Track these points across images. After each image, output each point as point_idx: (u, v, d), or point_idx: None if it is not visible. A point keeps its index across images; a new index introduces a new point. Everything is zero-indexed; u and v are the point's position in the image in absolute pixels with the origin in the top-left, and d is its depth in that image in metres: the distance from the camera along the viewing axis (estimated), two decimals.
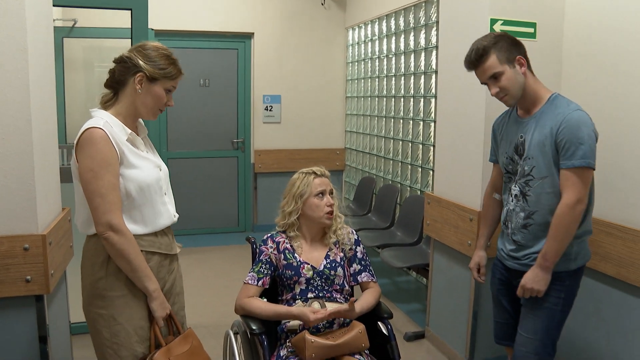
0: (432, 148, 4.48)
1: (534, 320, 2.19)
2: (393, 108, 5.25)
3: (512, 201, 2.23)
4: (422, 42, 4.59)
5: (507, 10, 2.73)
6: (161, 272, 1.98)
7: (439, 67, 3.27)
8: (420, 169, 4.73)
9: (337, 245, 2.35)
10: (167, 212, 2.00)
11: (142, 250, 1.87)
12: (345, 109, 6.59)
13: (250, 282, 2.27)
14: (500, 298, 2.43)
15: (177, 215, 2.05)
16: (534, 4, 2.77)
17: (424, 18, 4.55)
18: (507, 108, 2.34)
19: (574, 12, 2.77)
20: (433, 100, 4.44)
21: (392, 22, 5.18)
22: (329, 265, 2.28)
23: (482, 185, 2.85)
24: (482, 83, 2.19)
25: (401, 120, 5.08)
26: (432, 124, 4.46)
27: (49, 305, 2.25)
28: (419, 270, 4.07)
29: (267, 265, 2.29)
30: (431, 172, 4.50)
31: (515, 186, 2.20)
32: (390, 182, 5.33)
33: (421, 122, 4.68)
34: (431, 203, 3.37)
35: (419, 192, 4.73)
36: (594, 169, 2.03)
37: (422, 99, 4.65)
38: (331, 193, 2.35)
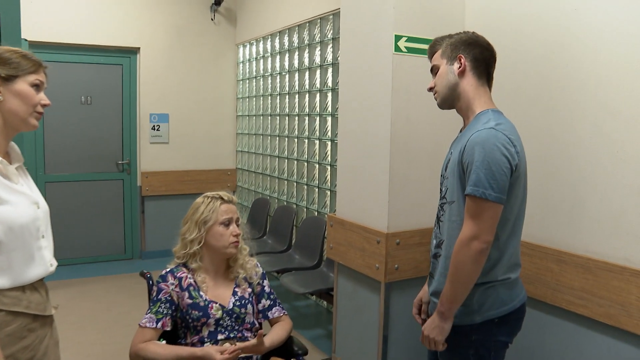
0: (329, 168, 4.39)
1: None
2: (287, 127, 5.12)
3: (434, 224, 2.04)
4: (317, 59, 4.51)
5: (411, 27, 2.68)
6: (28, 338, 1.56)
7: (339, 84, 3.17)
8: (317, 190, 4.61)
9: (245, 280, 2.14)
10: (41, 260, 1.61)
11: (1, 311, 1.48)
12: (236, 127, 6.36)
13: (147, 324, 1.97)
14: None
15: (54, 264, 1.68)
16: (436, 21, 2.75)
17: (319, 35, 4.47)
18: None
19: (472, 25, 2.77)
20: (329, 118, 4.36)
21: (286, 39, 5.06)
22: (238, 303, 2.06)
23: (388, 206, 2.76)
24: None
25: (296, 139, 4.95)
26: (329, 143, 4.37)
27: None
28: (321, 294, 3.92)
29: (168, 305, 2.01)
30: (329, 193, 4.40)
31: (438, 207, 2.01)
32: (285, 203, 5.17)
33: (317, 141, 4.57)
34: (334, 225, 3.24)
35: (316, 213, 4.60)
36: (496, 202, 1.69)
37: (317, 117, 4.55)
38: (237, 222, 2.13)
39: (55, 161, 5.57)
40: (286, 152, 5.16)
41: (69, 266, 5.54)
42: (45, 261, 1.63)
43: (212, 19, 6.03)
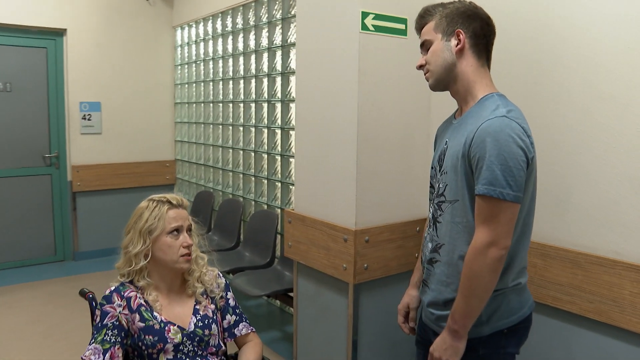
0: (279, 158, 4.11)
1: None
2: (231, 114, 4.79)
3: (427, 225, 1.79)
4: (265, 41, 4.20)
5: (379, 3, 2.43)
6: None
7: (296, 66, 2.89)
8: (265, 181, 4.32)
9: (206, 296, 1.84)
10: None
11: None
12: (175, 116, 5.96)
13: (92, 358, 1.61)
14: (417, 347, 1.95)
15: None
16: None
17: (266, 16, 4.15)
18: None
19: None
20: (279, 104, 4.08)
21: (229, 20, 4.71)
22: (200, 324, 1.75)
23: (355, 200, 2.52)
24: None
25: (241, 128, 4.64)
26: (279, 131, 4.09)
27: None
28: (277, 295, 3.65)
29: (115, 331, 1.66)
30: (279, 185, 4.13)
31: (431, 206, 1.75)
32: (230, 196, 4.86)
33: (265, 130, 4.28)
34: (293, 222, 2.97)
35: (265, 206, 4.32)
36: (514, 202, 1.48)
37: (265, 104, 4.25)
38: (189, 229, 1.82)
39: None
40: (230, 141, 4.83)
41: None
42: None
43: None
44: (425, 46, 1.69)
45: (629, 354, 2.02)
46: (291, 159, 3.98)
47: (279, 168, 4.14)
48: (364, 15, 2.38)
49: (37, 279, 4.93)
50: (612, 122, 2.00)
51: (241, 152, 4.67)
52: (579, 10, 2.07)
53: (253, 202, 4.51)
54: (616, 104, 1.99)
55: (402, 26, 2.52)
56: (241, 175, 4.70)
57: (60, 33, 5.26)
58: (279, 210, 4.11)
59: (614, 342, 2.06)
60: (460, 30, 1.61)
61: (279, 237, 4.04)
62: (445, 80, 1.66)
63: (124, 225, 1.80)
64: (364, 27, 2.39)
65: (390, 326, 2.75)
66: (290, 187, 4.01)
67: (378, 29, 2.44)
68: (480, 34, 1.63)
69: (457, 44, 1.61)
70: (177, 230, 1.76)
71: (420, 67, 1.71)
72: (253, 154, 4.48)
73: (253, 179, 4.50)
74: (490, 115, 1.51)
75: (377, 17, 2.43)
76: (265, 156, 4.31)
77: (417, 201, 2.74)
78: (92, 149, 5.48)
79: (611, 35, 1.98)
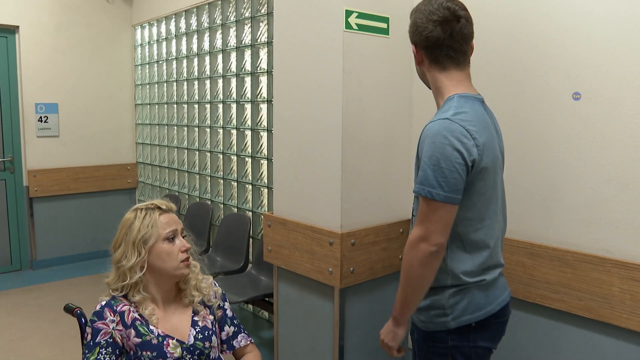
0: (249, 160, 4.03)
1: None
2: (197, 115, 4.67)
3: None
4: (232, 41, 4.10)
5: (362, 2, 2.39)
6: None
7: (274, 65, 2.81)
8: (235, 184, 4.23)
9: (204, 305, 1.75)
10: None
11: None
12: (135, 117, 5.78)
13: None
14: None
15: None
16: None
17: (234, 14, 4.06)
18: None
19: None
20: (248, 105, 4.00)
21: (193, 18, 4.59)
22: (201, 336, 1.66)
23: (341, 203, 2.48)
24: None
25: (207, 129, 4.53)
26: (249, 133, 4.01)
27: None
28: (254, 301, 3.56)
29: (110, 349, 1.56)
30: (250, 187, 4.05)
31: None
32: (198, 199, 4.74)
33: (234, 131, 4.19)
34: (273, 225, 2.90)
35: (235, 209, 4.23)
36: (444, 202, 1.50)
37: (234, 105, 4.16)
38: (183, 233, 1.74)
39: None
40: (197, 143, 4.71)
41: None
42: None
43: None
44: None
45: (618, 349, 2.05)
46: (262, 161, 3.90)
47: (249, 170, 4.06)
48: (348, 13, 2.33)
49: None
50: (599, 121, 2.02)
51: (208, 154, 4.56)
52: (565, 8, 2.08)
53: (222, 206, 4.41)
54: (603, 103, 2.00)
55: (384, 25, 2.48)
56: (209, 178, 4.59)
57: (12, 30, 5.01)
58: (250, 214, 4.03)
59: (603, 338, 2.08)
60: (413, 46, 1.68)
61: (251, 240, 3.96)
62: (426, 84, 1.76)
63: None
64: (348, 25, 2.34)
65: (376, 329, 2.71)
66: (262, 189, 3.94)
67: (361, 27, 2.40)
68: (433, 43, 1.62)
69: (416, 58, 1.70)
70: (173, 234, 1.69)
71: None
72: (221, 155, 4.38)
73: (221, 181, 4.40)
74: (436, 118, 1.56)
75: (361, 15, 2.38)
76: (235, 158, 4.21)
77: (400, 202, 2.72)
78: (50, 153, 5.25)
79: (598, 34, 2.00)
